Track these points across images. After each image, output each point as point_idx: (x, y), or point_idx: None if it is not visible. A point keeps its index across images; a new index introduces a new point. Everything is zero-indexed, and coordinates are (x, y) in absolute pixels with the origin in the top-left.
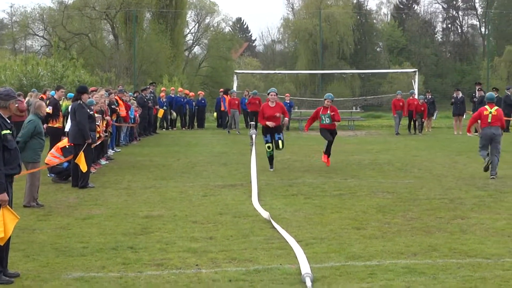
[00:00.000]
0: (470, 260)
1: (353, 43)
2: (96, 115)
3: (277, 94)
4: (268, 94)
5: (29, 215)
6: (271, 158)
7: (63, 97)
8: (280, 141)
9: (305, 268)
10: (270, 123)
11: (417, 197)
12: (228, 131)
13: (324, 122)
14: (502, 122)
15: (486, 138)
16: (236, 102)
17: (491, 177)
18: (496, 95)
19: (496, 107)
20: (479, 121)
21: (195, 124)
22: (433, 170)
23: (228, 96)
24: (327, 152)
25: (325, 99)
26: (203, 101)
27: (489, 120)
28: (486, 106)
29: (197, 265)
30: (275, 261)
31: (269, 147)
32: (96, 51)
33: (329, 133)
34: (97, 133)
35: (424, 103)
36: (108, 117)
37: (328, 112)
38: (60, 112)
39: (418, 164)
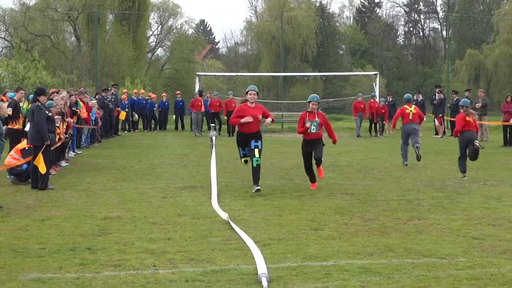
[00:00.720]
0: (425, 260)
1: (315, 46)
2: (56, 116)
3: (258, 94)
4: (247, 93)
5: None
6: (256, 171)
7: (23, 99)
8: (256, 150)
9: (261, 268)
10: (246, 119)
11: (375, 198)
12: (195, 134)
13: (310, 130)
14: (421, 119)
15: (407, 132)
16: (199, 103)
17: (418, 159)
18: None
19: (414, 106)
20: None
21: (157, 126)
22: (392, 172)
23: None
24: (312, 176)
25: (309, 102)
26: (166, 103)
27: (410, 118)
28: (406, 106)
29: (154, 265)
30: (233, 262)
31: (246, 162)
32: (58, 53)
33: (315, 146)
34: (57, 135)
35: (385, 106)
36: (69, 119)
37: (317, 119)
38: (20, 114)
39: (378, 166)
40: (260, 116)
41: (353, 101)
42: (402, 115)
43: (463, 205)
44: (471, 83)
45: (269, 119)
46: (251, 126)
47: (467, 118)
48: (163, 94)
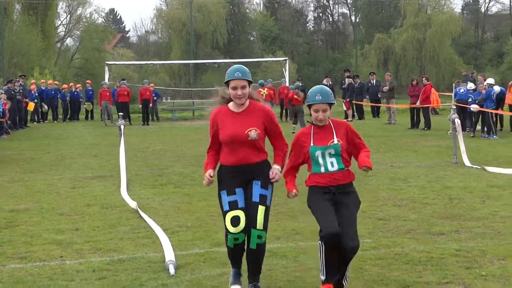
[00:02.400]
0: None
1: (226, 33)
2: None
3: (250, 83)
4: (228, 83)
5: None
6: (236, 251)
7: None
8: (261, 209)
9: (169, 255)
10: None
11: (283, 183)
12: (105, 124)
13: (321, 169)
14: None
15: None
16: (108, 93)
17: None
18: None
19: (266, 89)
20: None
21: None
22: None
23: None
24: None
25: (310, 104)
26: (76, 93)
27: (263, 98)
28: (260, 89)
29: (61, 256)
30: (141, 250)
31: (234, 222)
32: None
33: (342, 204)
34: None
35: (294, 90)
36: None
37: (336, 141)
38: None
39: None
40: (254, 133)
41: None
42: None
43: (370, 187)
44: (380, 67)
45: (277, 168)
46: (244, 151)
47: (295, 96)
48: (71, 84)
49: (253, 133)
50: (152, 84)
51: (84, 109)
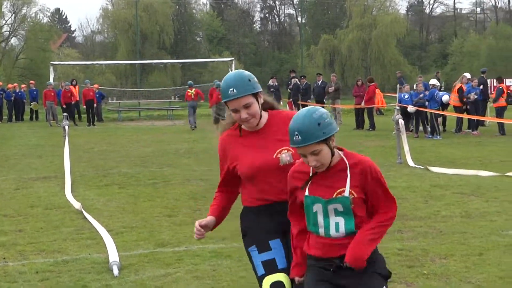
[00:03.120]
0: None
1: (173, 33)
2: None
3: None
4: (226, 103)
5: None
6: None
7: None
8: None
9: (113, 256)
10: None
11: None
12: (50, 124)
13: (320, 233)
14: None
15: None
16: (52, 94)
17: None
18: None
19: (195, 89)
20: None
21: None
22: None
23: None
24: None
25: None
26: (20, 93)
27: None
28: (188, 89)
29: (4, 258)
30: (84, 251)
31: None
32: None
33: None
34: None
35: None
36: None
37: (347, 195)
38: None
39: None
40: (287, 154)
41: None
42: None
43: None
44: (326, 67)
45: None
46: (275, 183)
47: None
48: (15, 84)
49: (284, 156)
50: (96, 85)
51: (29, 110)
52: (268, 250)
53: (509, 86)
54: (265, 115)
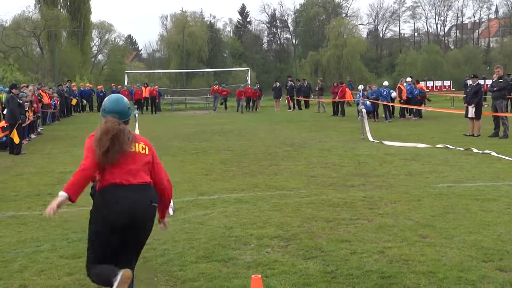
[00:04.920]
0: (279, 192)
1: (207, 51)
2: (25, 103)
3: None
4: None
5: None
6: None
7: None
8: None
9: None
10: None
11: (247, 153)
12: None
13: None
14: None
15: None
16: (126, 93)
17: None
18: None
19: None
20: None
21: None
22: (259, 134)
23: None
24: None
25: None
26: (104, 92)
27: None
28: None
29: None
30: None
31: None
32: (27, 59)
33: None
34: (27, 116)
35: (257, 90)
36: (35, 105)
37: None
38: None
39: (250, 131)
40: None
41: (235, 88)
42: None
43: (305, 155)
44: (312, 74)
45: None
46: None
47: None
48: (101, 86)
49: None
50: (156, 86)
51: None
52: None
53: (423, 86)
54: None
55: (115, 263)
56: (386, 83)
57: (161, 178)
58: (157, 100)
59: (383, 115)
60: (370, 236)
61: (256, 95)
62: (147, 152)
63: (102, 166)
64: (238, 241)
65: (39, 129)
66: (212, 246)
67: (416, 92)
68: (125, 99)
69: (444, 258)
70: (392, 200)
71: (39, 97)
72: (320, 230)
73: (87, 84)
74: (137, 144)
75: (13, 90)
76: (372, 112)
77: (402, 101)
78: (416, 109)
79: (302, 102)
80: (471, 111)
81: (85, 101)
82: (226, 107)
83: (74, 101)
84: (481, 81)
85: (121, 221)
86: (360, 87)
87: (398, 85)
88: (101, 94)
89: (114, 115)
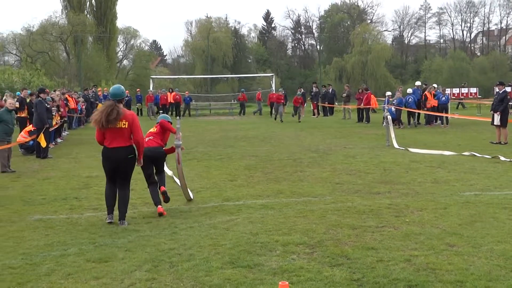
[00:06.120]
0: (304, 198)
1: (232, 57)
2: (52, 108)
3: None
4: None
5: (4, 178)
6: None
7: (27, 95)
8: None
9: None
10: None
11: (272, 159)
12: (150, 118)
13: None
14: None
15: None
16: (152, 97)
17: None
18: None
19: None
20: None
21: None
22: (284, 140)
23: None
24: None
25: None
26: (129, 97)
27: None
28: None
29: None
30: (175, 203)
31: None
32: (54, 64)
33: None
34: (54, 120)
35: (282, 94)
36: (62, 109)
37: None
38: (26, 106)
39: (274, 137)
40: None
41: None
42: None
43: (330, 161)
44: (337, 80)
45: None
46: None
47: None
48: (127, 91)
49: None
50: (186, 92)
51: (135, 109)
52: None
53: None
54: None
55: (115, 185)
56: (410, 90)
57: (136, 137)
58: (181, 105)
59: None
60: (397, 244)
61: (281, 100)
62: (126, 126)
63: (100, 130)
64: (263, 247)
65: (65, 133)
66: (237, 252)
67: (444, 98)
68: (122, 87)
69: (472, 267)
70: (418, 208)
71: (65, 102)
72: (345, 237)
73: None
74: (120, 122)
75: (41, 95)
76: (396, 119)
77: (428, 108)
78: (445, 116)
79: (327, 109)
80: (497, 118)
81: None
82: (244, 113)
83: (100, 106)
84: (508, 89)
85: (110, 166)
86: (388, 93)
87: (425, 92)
88: (127, 98)
89: (113, 98)
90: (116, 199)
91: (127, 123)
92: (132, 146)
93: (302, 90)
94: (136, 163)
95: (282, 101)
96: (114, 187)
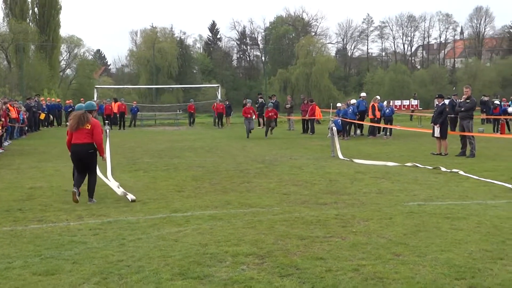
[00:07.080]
0: (252, 209)
1: (177, 67)
2: None
3: None
4: None
5: None
6: None
7: None
8: None
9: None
10: None
11: (219, 169)
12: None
13: None
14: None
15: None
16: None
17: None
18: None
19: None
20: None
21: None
22: (230, 151)
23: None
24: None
25: None
26: (70, 108)
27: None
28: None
29: (67, 219)
30: (122, 215)
31: None
32: None
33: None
34: None
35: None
36: (3, 119)
37: None
38: None
39: (221, 148)
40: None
41: (204, 105)
42: None
43: (276, 172)
44: (281, 91)
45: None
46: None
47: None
48: (70, 100)
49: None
50: (134, 102)
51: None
52: None
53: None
54: None
55: (83, 173)
56: (353, 101)
57: (95, 138)
58: (125, 115)
59: (353, 133)
60: (344, 254)
61: (272, 114)
62: (89, 128)
63: (70, 132)
64: (213, 258)
65: (7, 143)
66: (187, 263)
67: (388, 110)
68: (93, 102)
69: (418, 276)
70: (364, 218)
71: (6, 111)
72: (294, 248)
73: (56, 99)
74: (87, 124)
75: None
76: (341, 131)
77: (376, 119)
78: (389, 128)
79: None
80: (437, 130)
81: (51, 116)
82: (193, 123)
83: (42, 116)
84: (447, 101)
85: (74, 158)
86: (338, 104)
87: (372, 103)
88: (70, 109)
89: (86, 109)
90: (82, 182)
91: (90, 125)
92: (93, 143)
93: (270, 101)
94: (101, 156)
95: (275, 116)
96: (83, 174)
